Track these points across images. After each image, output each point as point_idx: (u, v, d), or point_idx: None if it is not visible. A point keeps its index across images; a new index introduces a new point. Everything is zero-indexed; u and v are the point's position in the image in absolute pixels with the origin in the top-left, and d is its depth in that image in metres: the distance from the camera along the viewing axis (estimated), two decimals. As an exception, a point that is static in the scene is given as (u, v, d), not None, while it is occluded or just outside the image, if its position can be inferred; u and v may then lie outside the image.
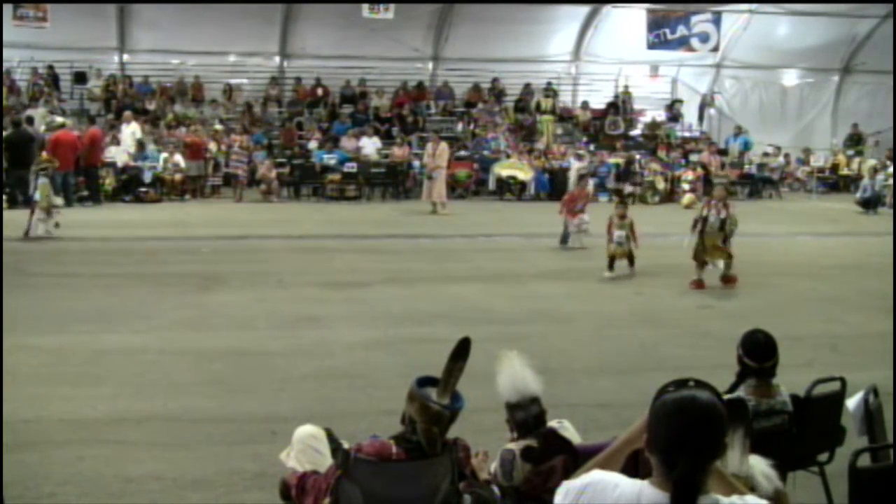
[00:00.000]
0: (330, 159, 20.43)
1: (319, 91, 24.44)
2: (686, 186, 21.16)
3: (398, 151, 21.27)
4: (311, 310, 9.19)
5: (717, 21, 24.20)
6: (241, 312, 9.04)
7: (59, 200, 14.01)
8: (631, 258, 11.25)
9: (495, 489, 3.69)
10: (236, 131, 21.35)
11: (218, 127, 21.19)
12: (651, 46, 24.27)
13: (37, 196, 13.71)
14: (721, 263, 10.67)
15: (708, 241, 10.47)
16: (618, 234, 11.18)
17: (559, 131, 24.38)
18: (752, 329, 4.27)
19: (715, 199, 10.66)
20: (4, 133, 17.54)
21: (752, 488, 2.69)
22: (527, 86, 25.50)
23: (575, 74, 26.56)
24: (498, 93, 25.33)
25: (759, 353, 4.12)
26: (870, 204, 20.21)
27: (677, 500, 2.11)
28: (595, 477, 2.29)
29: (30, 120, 18.72)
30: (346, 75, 24.61)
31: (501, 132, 22.93)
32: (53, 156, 17.32)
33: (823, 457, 4.42)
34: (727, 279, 10.68)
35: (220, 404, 6.21)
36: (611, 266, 11.19)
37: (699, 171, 21.77)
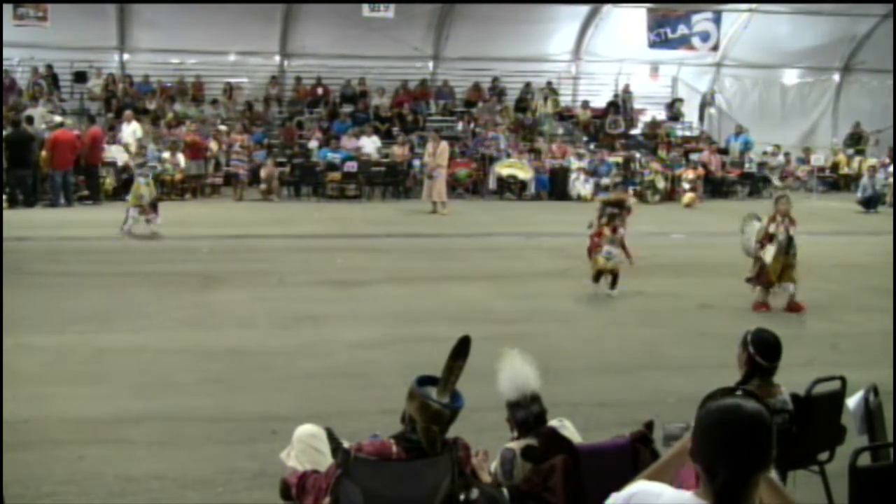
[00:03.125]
0: (334, 158, 20.45)
1: (320, 90, 24.45)
2: (686, 186, 21.16)
3: (398, 151, 21.28)
4: (311, 309, 9.19)
5: (717, 20, 24.21)
6: (241, 311, 9.04)
7: (146, 199, 13.93)
8: (615, 278, 10.11)
9: (504, 492, 3.69)
10: (236, 130, 21.35)
11: (222, 128, 21.21)
12: (652, 45, 24.29)
13: (128, 196, 13.96)
14: (791, 286, 9.49)
15: (776, 262, 9.43)
16: (608, 248, 10.02)
17: (560, 131, 24.40)
18: (758, 328, 4.26)
19: (779, 214, 9.51)
20: (4, 133, 17.53)
21: None
22: (527, 85, 25.50)
23: (575, 74, 26.56)
24: (498, 92, 25.34)
25: (770, 352, 4.13)
26: (870, 203, 20.22)
27: None
28: (640, 487, 2.28)
29: (29, 119, 18.72)
30: (347, 74, 24.62)
31: (502, 132, 22.93)
32: (52, 155, 17.37)
33: (824, 456, 4.42)
34: (794, 306, 9.52)
35: (220, 403, 6.21)
36: (597, 278, 10.16)
37: (700, 170, 21.79)
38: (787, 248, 9.43)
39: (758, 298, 9.58)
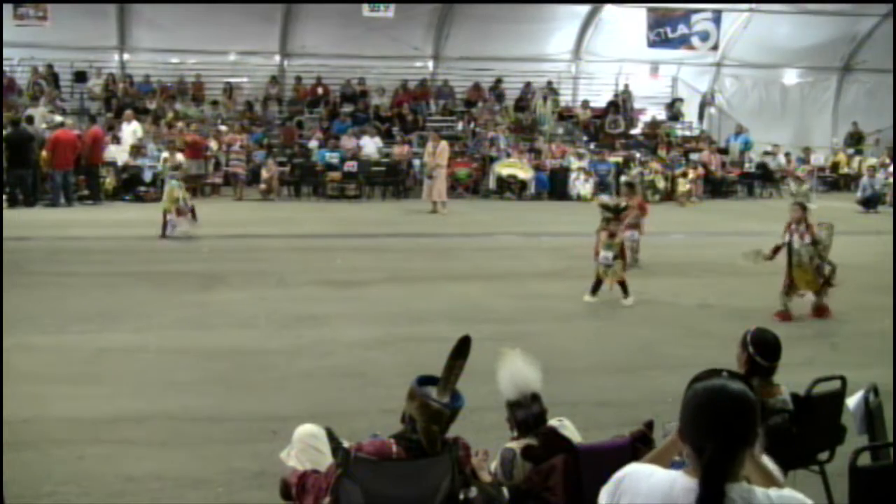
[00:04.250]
0: (332, 157, 20.46)
1: (319, 90, 24.46)
2: (687, 186, 21.16)
3: (398, 150, 21.30)
4: (311, 309, 9.19)
5: (717, 20, 24.23)
6: (241, 311, 9.04)
7: (186, 197, 13.92)
8: (624, 285, 9.66)
9: (505, 491, 3.68)
10: (234, 129, 21.36)
11: (222, 128, 21.21)
12: (651, 45, 24.31)
13: (163, 199, 13.84)
14: (809, 294, 9.13)
15: (798, 274, 9.02)
16: (604, 254, 9.59)
17: (560, 131, 24.40)
18: (759, 328, 4.26)
19: (792, 222, 9.06)
20: (4, 132, 17.53)
21: None
22: (527, 85, 25.51)
23: (575, 73, 26.57)
24: (499, 94, 25.33)
25: (769, 351, 4.13)
26: (870, 203, 20.22)
27: (705, 485, 2.13)
28: (630, 468, 2.33)
29: (30, 119, 18.72)
30: (347, 74, 24.65)
31: (502, 131, 22.94)
32: (52, 155, 17.38)
33: (824, 455, 4.42)
34: (819, 310, 9.11)
35: (220, 403, 6.21)
36: (594, 290, 9.68)
37: (700, 170, 21.81)
38: (812, 257, 8.91)
39: (780, 307, 9.07)
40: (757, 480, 2.25)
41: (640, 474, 2.28)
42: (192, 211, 13.82)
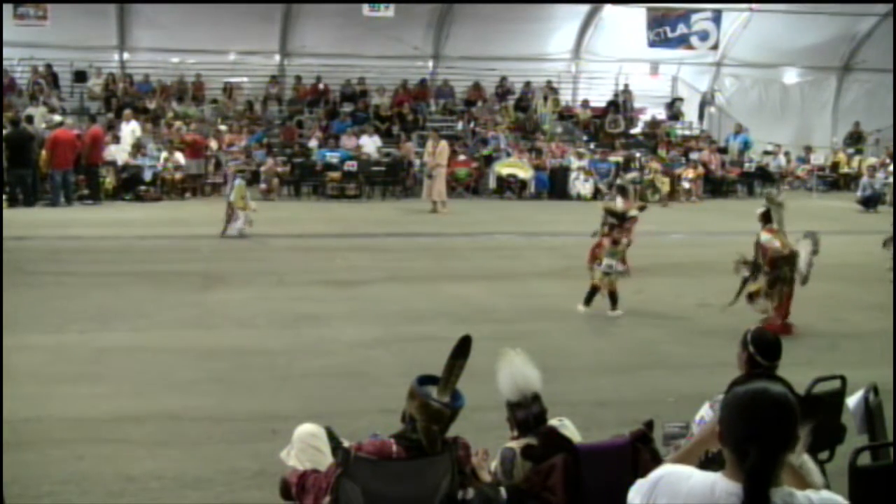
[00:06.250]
0: (332, 157, 20.46)
1: (320, 89, 24.45)
2: (686, 185, 21.18)
3: (406, 147, 21.37)
4: (311, 308, 9.20)
5: (717, 19, 24.20)
6: (241, 311, 9.04)
7: (253, 204, 14.25)
8: (614, 296, 9.14)
9: (502, 491, 3.69)
10: (233, 129, 21.34)
11: (222, 128, 21.21)
12: (651, 44, 24.29)
13: (232, 197, 14.02)
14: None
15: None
16: (608, 262, 9.05)
17: (560, 130, 24.40)
18: (758, 328, 4.25)
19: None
20: (4, 132, 17.51)
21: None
22: (527, 84, 25.51)
23: (575, 73, 26.57)
24: (504, 92, 25.33)
25: (770, 351, 4.13)
26: (870, 202, 20.24)
27: (750, 490, 2.11)
28: (667, 469, 2.31)
29: (29, 119, 18.71)
30: (347, 74, 24.62)
31: (502, 131, 22.93)
32: (52, 154, 17.36)
33: (824, 455, 4.42)
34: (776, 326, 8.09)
35: (221, 403, 6.21)
36: (589, 299, 9.19)
37: (700, 169, 21.81)
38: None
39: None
40: (789, 482, 2.23)
41: (678, 476, 2.25)
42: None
